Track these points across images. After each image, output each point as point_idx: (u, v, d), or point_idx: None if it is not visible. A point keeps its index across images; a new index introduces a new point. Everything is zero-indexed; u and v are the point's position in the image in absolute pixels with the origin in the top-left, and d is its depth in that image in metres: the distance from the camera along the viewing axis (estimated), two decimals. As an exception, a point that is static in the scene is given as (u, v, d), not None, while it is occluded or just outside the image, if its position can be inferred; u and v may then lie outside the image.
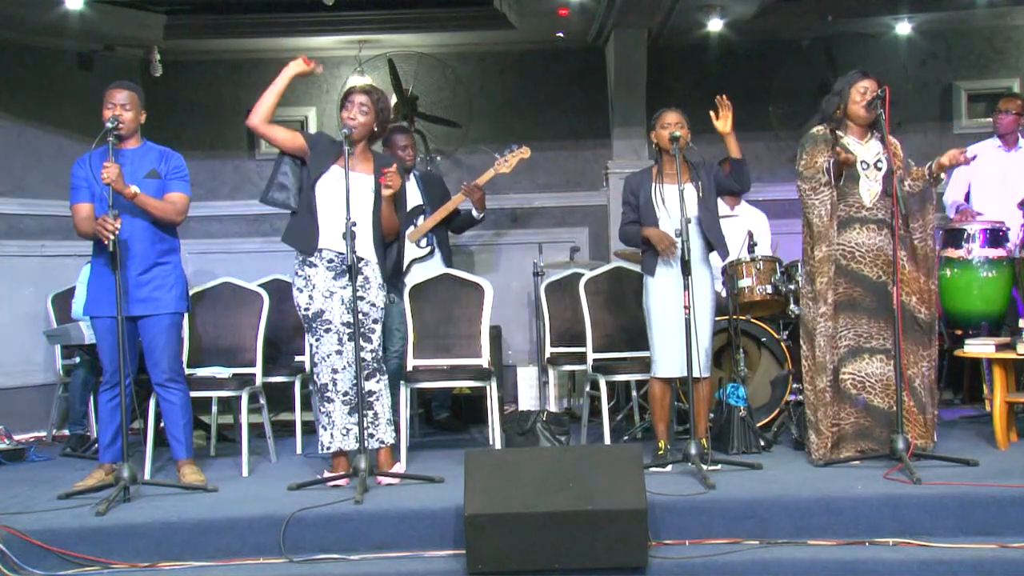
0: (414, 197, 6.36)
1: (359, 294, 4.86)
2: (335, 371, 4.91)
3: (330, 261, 4.90)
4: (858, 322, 5.02)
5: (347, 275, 4.81)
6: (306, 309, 4.95)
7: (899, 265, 4.89)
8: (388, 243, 5.01)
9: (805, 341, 5.10)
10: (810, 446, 5.03)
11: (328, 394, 4.93)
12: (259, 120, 4.87)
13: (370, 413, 4.92)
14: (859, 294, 5.02)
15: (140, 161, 4.92)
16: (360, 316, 4.87)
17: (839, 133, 5.09)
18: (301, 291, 4.95)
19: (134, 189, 4.75)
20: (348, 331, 4.89)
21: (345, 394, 4.90)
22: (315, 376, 4.99)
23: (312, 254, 4.91)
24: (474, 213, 6.63)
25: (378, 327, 5.00)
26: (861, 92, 5.05)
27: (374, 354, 4.96)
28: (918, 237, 5.05)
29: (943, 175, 5.10)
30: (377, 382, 4.96)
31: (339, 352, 4.89)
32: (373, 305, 4.95)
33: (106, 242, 4.65)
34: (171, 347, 4.98)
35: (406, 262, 5.82)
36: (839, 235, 5.02)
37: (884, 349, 4.98)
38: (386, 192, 4.83)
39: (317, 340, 4.94)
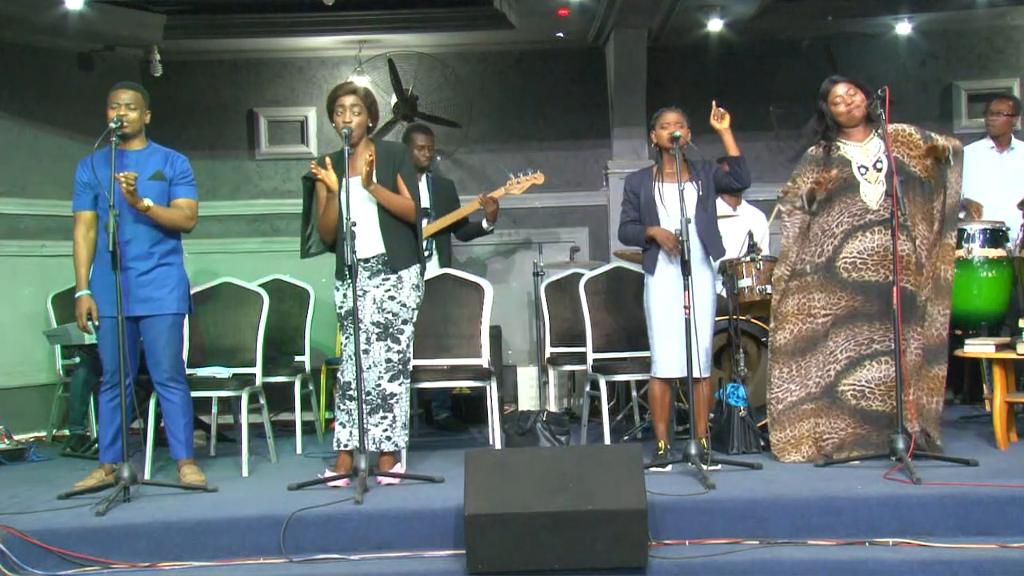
0: (422, 200, 6.33)
1: (391, 294, 4.93)
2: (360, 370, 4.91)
3: (365, 261, 4.90)
4: (858, 332, 5.01)
5: (381, 275, 4.92)
6: (340, 307, 4.98)
7: (899, 264, 4.89)
8: (410, 224, 5.01)
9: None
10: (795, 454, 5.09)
11: (351, 392, 4.93)
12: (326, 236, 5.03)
13: (390, 416, 4.92)
14: (860, 303, 5.00)
15: (145, 162, 4.90)
16: (390, 316, 4.93)
17: (837, 144, 5.09)
18: (338, 289, 5.00)
19: (147, 202, 4.74)
20: (376, 331, 4.92)
21: (368, 394, 4.90)
22: (340, 373, 5.00)
23: (343, 277, 4.93)
24: (484, 224, 6.60)
25: (407, 328, 4.99)
26: (836, 102, 5.06)
27: (401, 355, 4.96)
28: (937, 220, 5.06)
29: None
30: (399, 385, 4.95)
31: (365, 351, 4.88)
32: (404, 306, 4.96)
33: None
34: (172, 347, 4.97)
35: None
36: (843, 247, 5.02)
37: (887, 351, 4.97)
38: (366, 168, 4.79)
39: (347, 338, 4.95)
